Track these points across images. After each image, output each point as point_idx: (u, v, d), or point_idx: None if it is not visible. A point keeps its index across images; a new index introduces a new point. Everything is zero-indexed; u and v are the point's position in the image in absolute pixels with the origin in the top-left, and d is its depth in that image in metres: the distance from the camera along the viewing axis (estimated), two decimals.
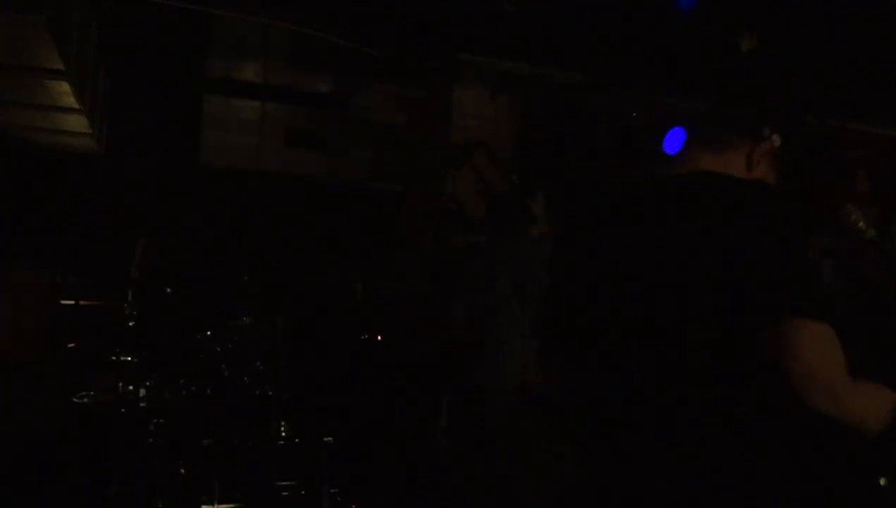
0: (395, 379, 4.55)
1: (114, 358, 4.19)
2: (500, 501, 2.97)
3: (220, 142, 6.52)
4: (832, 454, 1.43)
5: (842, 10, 4.16)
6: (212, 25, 6.29)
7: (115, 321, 4.47)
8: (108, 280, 5.15)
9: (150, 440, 3.87)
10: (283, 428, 4.04)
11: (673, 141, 3.26)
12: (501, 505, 2.97)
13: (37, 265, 5.22)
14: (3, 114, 4.99)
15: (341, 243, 6.53)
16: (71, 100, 4.44)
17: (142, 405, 4.02)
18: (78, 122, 5.04)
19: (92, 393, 4.18)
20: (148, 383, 4.08)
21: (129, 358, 4.17)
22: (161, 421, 3.96)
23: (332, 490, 3.94)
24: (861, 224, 1.82)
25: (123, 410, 4.00)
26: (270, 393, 4.14)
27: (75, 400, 4.13)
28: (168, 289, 4.75)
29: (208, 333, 4.35)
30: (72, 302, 5.20)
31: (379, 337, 5.10)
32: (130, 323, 4.28)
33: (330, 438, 4.05)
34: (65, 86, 4.12)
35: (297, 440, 4.03)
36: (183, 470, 3.78)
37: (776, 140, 1.62)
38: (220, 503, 3.73)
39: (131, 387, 4.05)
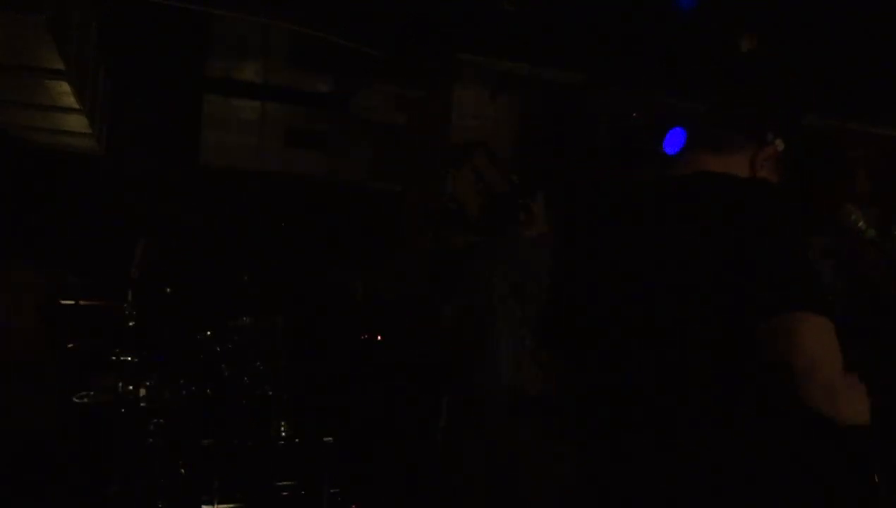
0: (395, 379, 4.55)
1: (114, 358, 4.19)
2: (500, 501, 2.97)
3: (220, 142, 6.52)
4: (831, 454, 1.43)
5: (842, 10, 4.16)
6: (212, 25, 6.29)
7: (115, 321, 4.47)
8: (108, 280, 5.15)
9: (150, 440, 3.87)
10: (283, 428, 4.04)
11: (673, 141, 3.26)
12: (501, 505, 2.97)
13: (36, 265, 5.21)
14: (3, 114, 4.99)
15: (341, 243, 6.53)
16: (71, 100, 4.44)
17: (142, 405, 4.02)
18: (78, 122, 5.04)
19: (92, 393, 4.18)
20: (148, 383, 4.08)
21: (129, 358, 4.17)
22: (161, 420, 3.95)
23: (332, 490, 3.94)
24: (861, 224, 1.82)
25: (123, 410, 4.00)
26: (270, 393, 4.14)
27: (75, 400, 4.13)
28: (168, 289, 4.75)
29: (208, 333, 4.35)
30: (72, 302, 5.20)
31: (379, 337, 5.09)
32: (130, 323, 4.28)
33: (330, 438, 4.05)
34: (65, 87, 4.12)
35: (297, 440, 4.03)
36: (183, 470, 3.78)
37: (779, 144, 1.63)
38: (220, 503, 3.74)
39: (131, 387, 4.05)
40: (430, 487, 3.35)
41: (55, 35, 3.35)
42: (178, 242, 5.60)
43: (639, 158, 4.69)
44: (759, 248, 1.41)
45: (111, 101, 5.87)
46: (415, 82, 6.00)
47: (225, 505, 3.76)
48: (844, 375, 1.37)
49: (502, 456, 2.96)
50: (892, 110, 5.76)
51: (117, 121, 6.07)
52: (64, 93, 4.26)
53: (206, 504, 3.72)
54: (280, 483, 3.94)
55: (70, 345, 4.84)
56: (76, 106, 4.56)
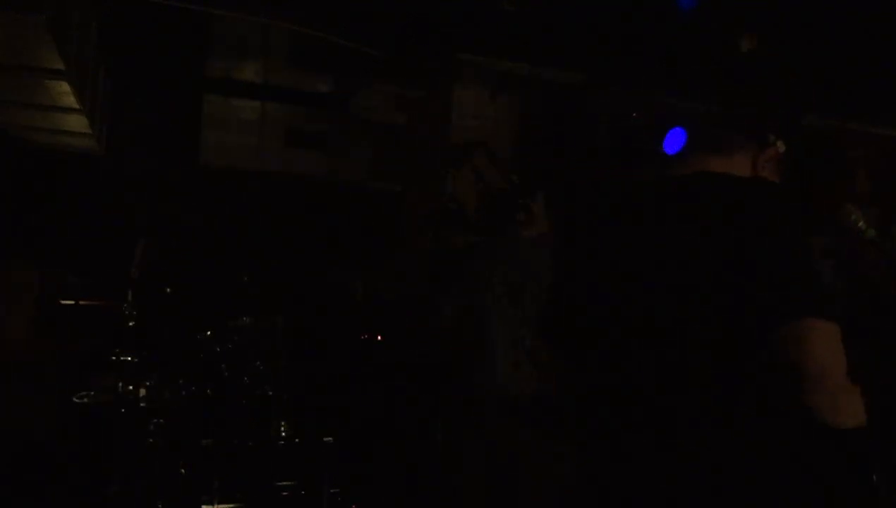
0: (395, 379, 4.55)
1: (114, 358, 4.19)
2: (500, 501, 2.97)
3: (220, 142, 6.52)
4: (831, 454, 1.43)
5: (842, 10, 4.16)
6: (212, 25, 6.28)
7: (115, 321, 4.47)
8: (108, 280, 5.15)
9: (150, 440, 3.87)
10: (283, 428, 4.04)
11: (673, 141, 3.25)
12: (501, 505, 2.97)
13: (36, 265, 5.21)
14: (3, 114, 4.98)
15: (341, 243, 6.52)
16: (71, 100, 4.43)
17: (142, 405, 4.02)
18: (78, 122, 5.04)
19: (92, 393, 4.18)
20: (148, 383, 4.08)
21: (129, 358, 4.17)
22: (161, 420, 3.95)
23: (332, 490, 3.94)
24: (861, 224, 1.82)
25: (123, 410, 4.00)
26: (270, 393, 4.14)
27: (75, 400, 4.13)
28: (168, 289, 4.75)
29: (208, 333, 4.35)
30: (72, 302, 5.20)
31: (379, 337, 5.09)
32: (130, 323, 4.28)
33: (330, 438, 4.05)
34: (65, 87, 4.12)
35: (297, 440, 4.03)
36: (183, 470, 3.78)
37: (780, 146, 1.63)
38: (220, 503, 3.74)
39: (131, 387, 4.05)
40: (430, 487, 3.35)
41: (55, 35, 3.35)
42: (178, 242, 5.60)
43: (639, 158, 4.68)
44: (763, 250, 1.41)
45: (111, 101, 5.87)
46: (415, 82, 6.00)
47: (225, 505, 3.76)
48: (848, 379, 1.38)
49: (502, 456, 2.96)
50: (892, 110, 5.76)
51: (117, 121, 6.07)
52: (64, 93, 4.26)
53: (206, 504, 3.72)
54: (280, 483, 3.94)
55: (70, 345, 4.84)
56: (76, 106, 4.55)
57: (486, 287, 3.05)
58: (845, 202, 1.85)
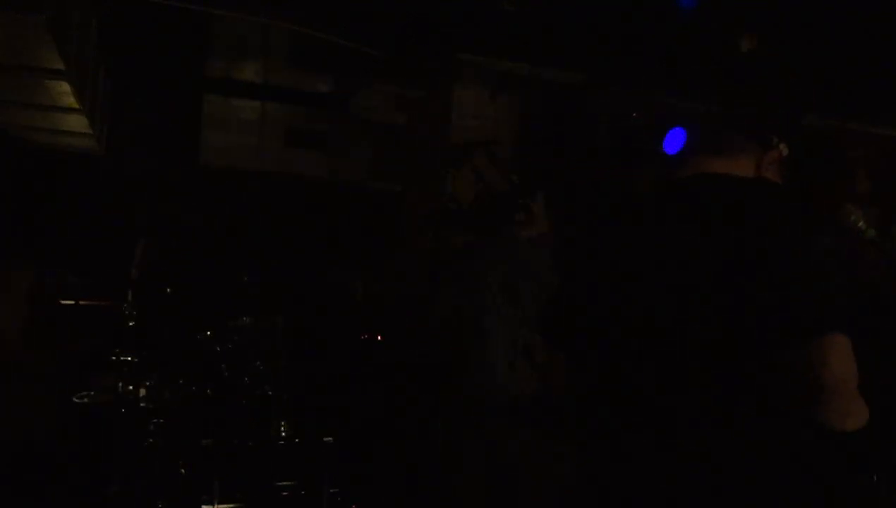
0: (395, 379, 4.55)
1: (114, 358, 4.19)
2: (500, 501, 2.97)
3: (220, 142, 6.52)
4: (831, 454, 1.43)
5: (842, 10, 4.16)
6: (212, 25, 6.28)
7: (115, 321, 4.47)
8: (108, 280, 5.15)
9: (150, 440, 3.87)
10: (283, 428, 4.04)
11: (673, 141, 3.25)
12: (501, 505, 2.97)
13: (36, 265, 5.21)
14: (3, 114, 4.98)
15: (341, 243, 6.52)
16: (71, 100, 4.43)
17: (142, 405, 4.02)
18: (78, 122, 5.03)
19: (92, 393, 4.18)
20: (148, 383, 4.08)
21: (129, 358, 4.17)
22: (161, 420, 3.95)
23: (332, 490, 3.94)
24: (861, 224, 1.82)
25: (123, 410, 4.00)
26: (270, 393, 4.13)
27: (75, 400, 4.13)
28: (168, 289, 4.74)
29: (208, 333, 4.35)
30: (72, 302, 5.20)
31: (379, 337, 5.09)
32: (130, 323, 4.28)
33: (330, 438, 4.05)
34: (65, 87, 4.11)
35: (297, 440, 4.03)
36: (183, 470, 3.78)
37: (784, 149, 1.64)
38: (220, 503, 3.73)
39: (131, 387, 4.05)
40: (430, 487, 3.35)
41: (55, 35, 3.35)
42: (178, 242, 5.60)
43: (639, 158, 4.68)
44: (770, 252, 1.41)
45: (111, 101, 5.86)
46: (415, 82, 6.00)
47: (225, 505, 3.75)
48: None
49: (502, 456, 2.96)
50: (892, 110, 5.76)
51: (117, 121, 6.06)
52: (64, 93, 4.25)
53: (206, 504, 3.71)
54: (280, 483, 3.94)
55: (70, 345, 4.84)
56: (76, 106, 4.55)
57: (483, 287, 3.05)
58: (845, 202, 1.85)
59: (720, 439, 1.44)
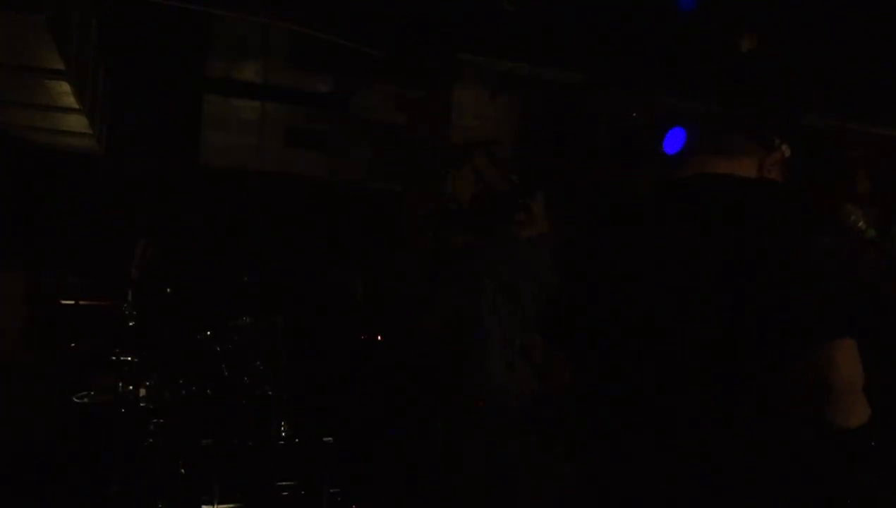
0: (395, 379, 4.55)
1: (114, 358, 4.19)
2: (500, 501, 2.97)
3: (220, 142, 6.52)
4: (831, 454, 1.43)
5: (842, 10, 4.16)
6: (212, 25, 6.28)
7: (115, 321, 4.47)
8: (108, 280, 5.15)
9: (150, 440, 3.87)
10: (283, 428, 4.04)
11: (673, 141, 3.25)
12: (501, 505, 2.97)
13: (26, 265, 5.22)
14: (3, 114, 4.98)
15: (341, 243, 6.52)
16: (71, 100, 4.43)
17: (142, 405, 4.02)
18: (78, 122, 5.03)
19: (92, 393, 4.18)
20: (148, 383, 4.08)
21: (129, 358, 4.17)
22: (161, 420, 3.95)
23: (332, 490, 3.94)
24: (861, 224, 1.82)
25: (123, 410, 4.00)
26: (270, 393, 4.13)
27: (75, 400, 4.13)
28: (168, 289, 4.74)
29: (208, 333, 4.35)
30: (72, 302, 5.20)
31: (379, 337, 5.09)
32: (130, 323, 4.28)
33: (330, 438, 4.05)
34: (65, 87, 4.11)
35: (297, 440, 4.03)
36: (183, 470, 3.78)
37: (786, 150, 1.64)
38: (220, 503, 3.73)
39: (131, 387, 4.05)
40: (430, 487, 3.35)
41: (55, 35, 3.34)
42: (178, 242, 5.60)
43: (639, 158, 4.68)
44: (773, 255, 1.42)
45: (111, 101, 5.86)
46: (415, 82, 6.00)
47: (225, 505, 3.75)
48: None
49: (502, 456, 2.96)
50: (892, 110, 5.76)
51: (117, 121, 6.06)
52: (64, 93, 4.25)
53: (206, 504, 3.71)
54: (280, 483, 3.94)
55: (70, 345, 4.84)
56: (76, 106, 4.55)
57: (482, 287, 3.05)
58: (845, 202, 1.85)
59: (720, 439, 1.44)
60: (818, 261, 1.44)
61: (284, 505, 3.92)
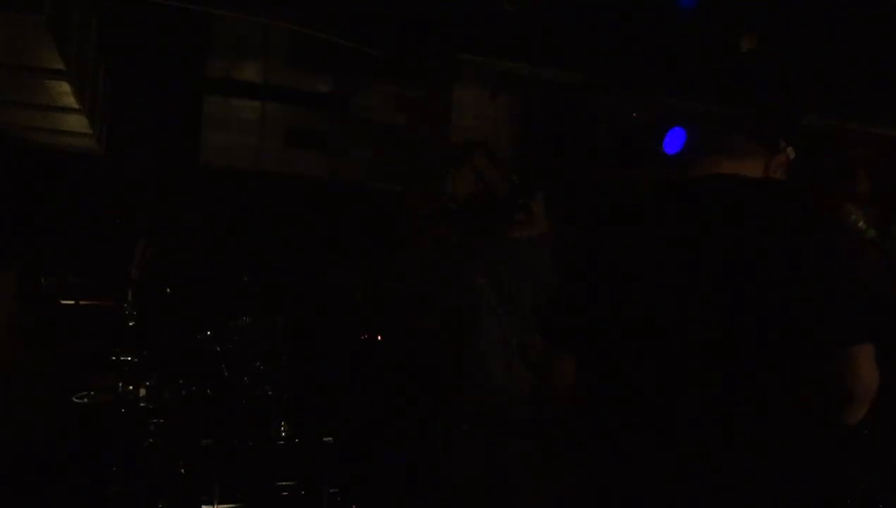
0: (395, 379, 4.55)
1: (114, 358, 4.19)
2: (500, 501, 2.97)
3: (220, 142, 6.52)
4: (831, 454, 1.43)
5: (842, 10, 4.16)
6: (212, 25, 6.28)
7: (115, 321, 4.47)
8: (108, 280, 5.15)
9: (150, 440, 3.87)
10: (283, 428, 4.04)
11: (673, 141, 3.25)
12: (501, 505, 2.97)
13: (14, 265, 5.23)
14: (3, 114, 4.97)
15: (341, 243, 6.52)
16: (71, 100, 4.43)
17: (142, 405, 4.02)
18: (78, 122, 5.03)
19: (92, 393, 4.18)
20: (148, 383, 4.08)
21: (129, 358, 4.17)
22: (161, 420, 3.95)
23: (332, 490, 3.94)
24: (861, 224, 1.82)
25: (123, 410, 4.00)
26: (270, 393, 4.13)
27: (75, 400, 4.13)
28: (168, 289, 4.74)
29: (208, 333, 4.35)
30: (72, 302, 5.20)
31: (379, 337, 5.09)
32: (130, 323, 4.28)
33: (330, 438, 4.05)
34: (65, 87, 4.11)
35: (297, 440, 4.03)
36: (183, 470, 3.78)
37: (791, 152, 1.65)
38: (220, 503, 3.73)
39: (131, 387, 4.05)
40: (430, 487, 3.35)
41: (55, 35, 3.34)
42: (178, 242, 5.60)
43: (639, 158, 4.68)
44: (774, 254, 1.42)
45: (111, 101, 5.86)
46: (415, 82, 6.00)
47: (225, 505, 3.76)
48: None
49: (502, 456, 2.96)
50: (892, 110, 5.76)
51: (117, 121, 6.06)
52: (64, 93, 4.25)
53: (206, 504, 3.71)
54: (280, 483, 3.94)
55: (70, 345, 4.84)
56: (76, 106, 4.55)
57: (481, 287, 3.05)
58: (845, 202, 1.86)
59: (721, 439, 1.44)
60: (822, 262, 1.45)
61: (284, 505, 3.92)
